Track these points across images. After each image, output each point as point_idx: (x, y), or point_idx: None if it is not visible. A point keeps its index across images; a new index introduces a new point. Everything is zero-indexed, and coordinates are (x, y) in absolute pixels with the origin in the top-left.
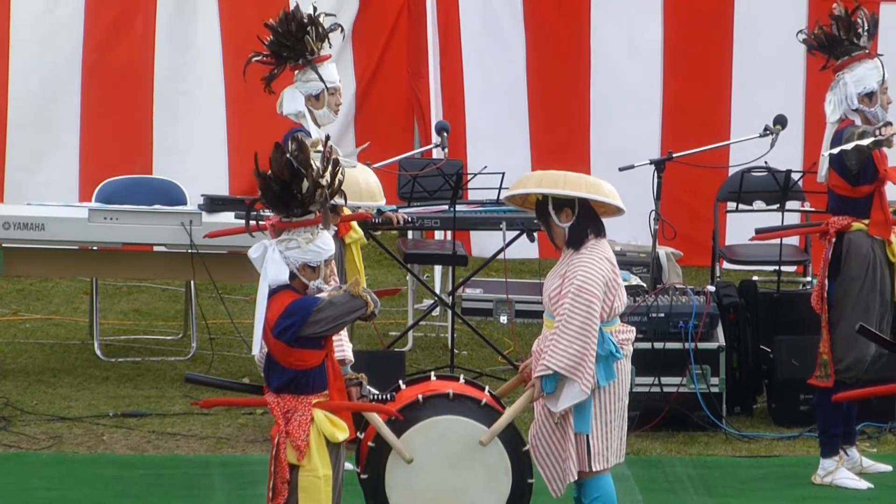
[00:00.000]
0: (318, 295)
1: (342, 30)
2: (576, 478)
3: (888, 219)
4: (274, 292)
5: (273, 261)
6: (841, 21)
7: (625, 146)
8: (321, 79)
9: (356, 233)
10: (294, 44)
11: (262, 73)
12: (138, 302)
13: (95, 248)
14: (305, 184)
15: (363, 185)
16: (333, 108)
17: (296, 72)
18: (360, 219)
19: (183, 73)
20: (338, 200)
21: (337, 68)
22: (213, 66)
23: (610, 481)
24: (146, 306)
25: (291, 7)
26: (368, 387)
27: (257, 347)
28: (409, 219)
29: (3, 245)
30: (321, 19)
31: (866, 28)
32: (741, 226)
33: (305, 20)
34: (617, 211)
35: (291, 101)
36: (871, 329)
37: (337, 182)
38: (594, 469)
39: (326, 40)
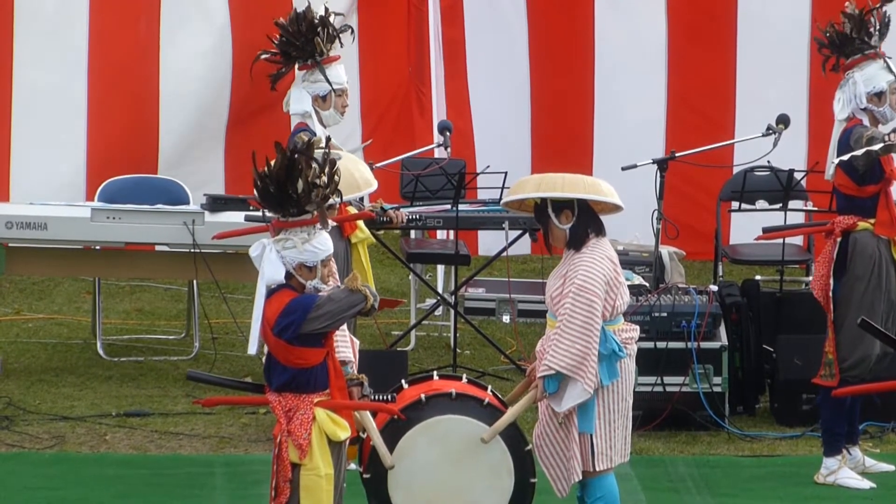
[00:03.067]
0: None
1: (352, 31)
2: (580, 477)
3: (894, 218)
4: (273, 291)
5: (269, 260)
6: (853, 20)
7: (629, 144)
8: (328, 80)
9: (362, 232)
10: (304, 44)
11: (267, 70)
12: (141, 301)
13: (98, 247)
14: (300, 184)
15: (357, 175)
16: (340, 110)
17: (303, 71)
18: (364, 217)
19: (187, 72)
20: (333, 199)
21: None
22: (218, 65)
23: (613, 481)
24: (149, 306)
25: (298, 7)
26: (369, 388)
27: (254, 346)
28: (412, 217)
29: (7, 244)
30: (332, 20)
31: (878, 28)
32: (744, 225)
33: (317, 21)
34: (615, 209)
35: (298, 100)
36: (873, 324)
37: (333, 183)
38: (598, 469)
39: (336, 41)
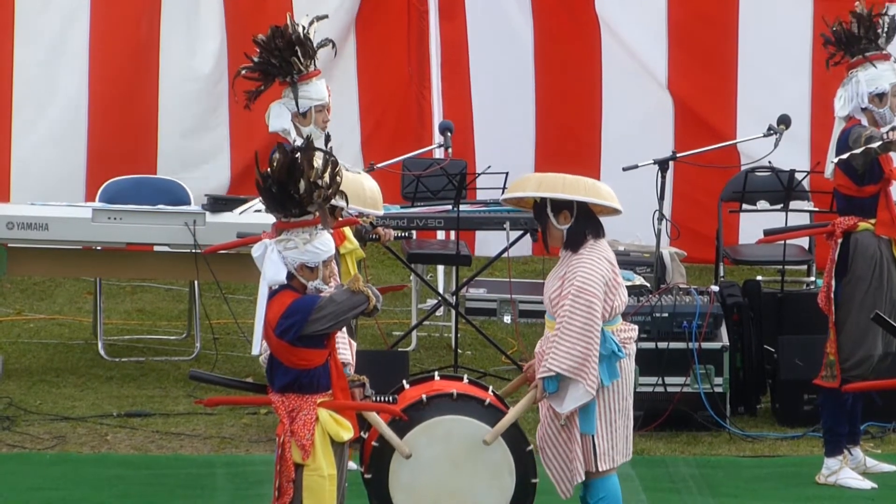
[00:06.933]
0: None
1: (333, 45)
2: (583, 478)
3: (895, 218)
4: (275, 292)
5: (271, 260)
6: (862, 20)
7: (635, 145)
8: (296, 102)
9: (351, 243)
10: (281, 61)
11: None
12: (142, 302)
13: (99, 247)
14: (302, 184)
15: (368, 192)
16: (321, 125)
17: (284, 88)
18: (350, 224)
19: (187, 74)
20: (338, 202)
21: (340, 68)
22: (216, 67)
23: (616, 481)
24: (150, 306)
25: (294, 10)
26: (370, 388)
27: (257, 347)
28: (399, 235)
29: (8, 245)
30: (312, 33)
31: (886, 30)
32: (747, 226)
33: (293, 39)
34: (614, 212)
35: (278, 117)
36: (886, 318)
37: (335, 184)
38: (601, 469)
39: (315, 57)
